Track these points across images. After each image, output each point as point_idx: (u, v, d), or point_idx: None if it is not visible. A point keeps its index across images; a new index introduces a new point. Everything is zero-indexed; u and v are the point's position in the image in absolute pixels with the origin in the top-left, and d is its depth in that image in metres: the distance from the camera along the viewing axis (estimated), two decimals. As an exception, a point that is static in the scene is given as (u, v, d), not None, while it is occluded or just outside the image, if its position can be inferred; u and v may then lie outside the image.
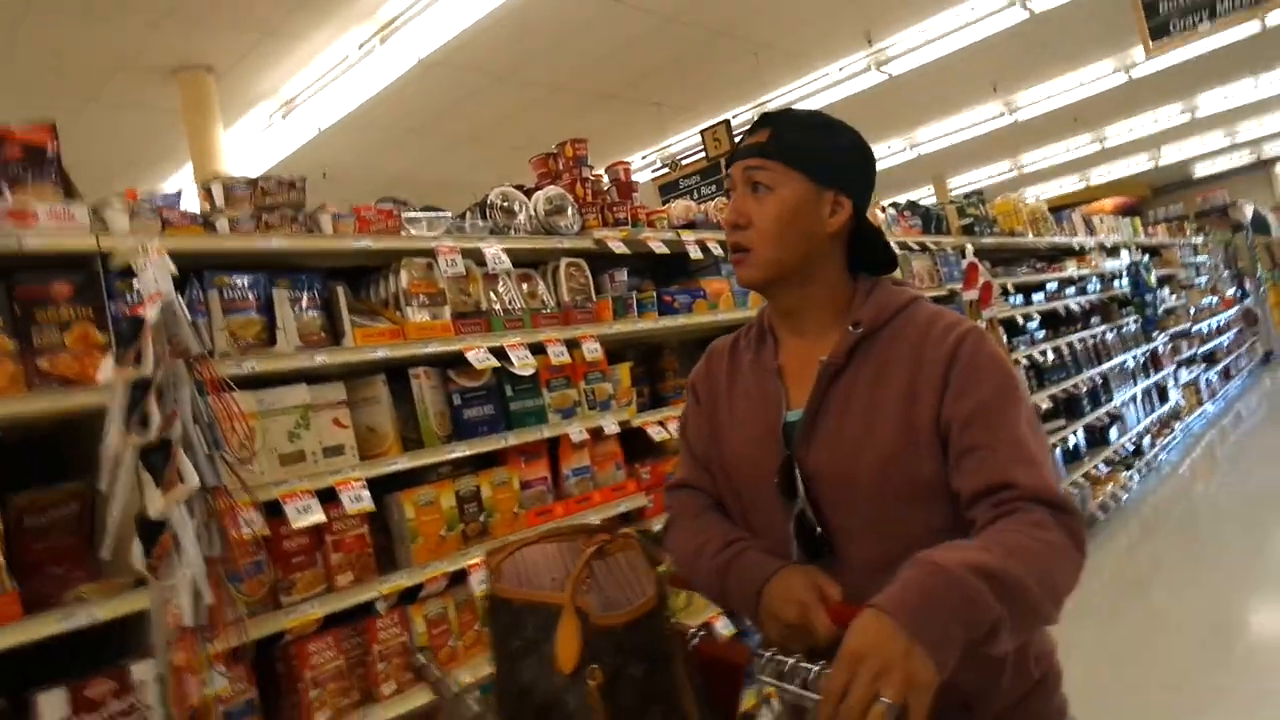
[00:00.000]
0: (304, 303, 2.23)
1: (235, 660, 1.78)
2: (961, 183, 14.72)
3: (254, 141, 7.18)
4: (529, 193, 2.95)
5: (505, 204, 2.80)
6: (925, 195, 13.48)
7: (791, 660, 0.99)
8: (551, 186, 2.97)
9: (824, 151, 1.21)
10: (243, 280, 2.10)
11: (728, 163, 1.26)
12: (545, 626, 1.03)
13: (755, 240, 1.19)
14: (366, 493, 2.08)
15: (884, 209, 4.84)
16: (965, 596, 0.88)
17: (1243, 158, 18.60)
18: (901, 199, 5.62)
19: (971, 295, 4.70)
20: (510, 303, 2.69)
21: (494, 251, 2.63)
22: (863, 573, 1.08)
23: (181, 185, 7.69)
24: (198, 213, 2.15)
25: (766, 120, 1.24)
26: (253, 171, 7.49)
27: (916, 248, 4.71)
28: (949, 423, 1.10)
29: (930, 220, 5.11)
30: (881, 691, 0.79)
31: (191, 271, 2.02)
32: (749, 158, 1.21)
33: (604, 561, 1.10)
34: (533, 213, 2.86)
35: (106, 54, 5.53)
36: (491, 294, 2.66)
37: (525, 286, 2.79)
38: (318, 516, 1.94)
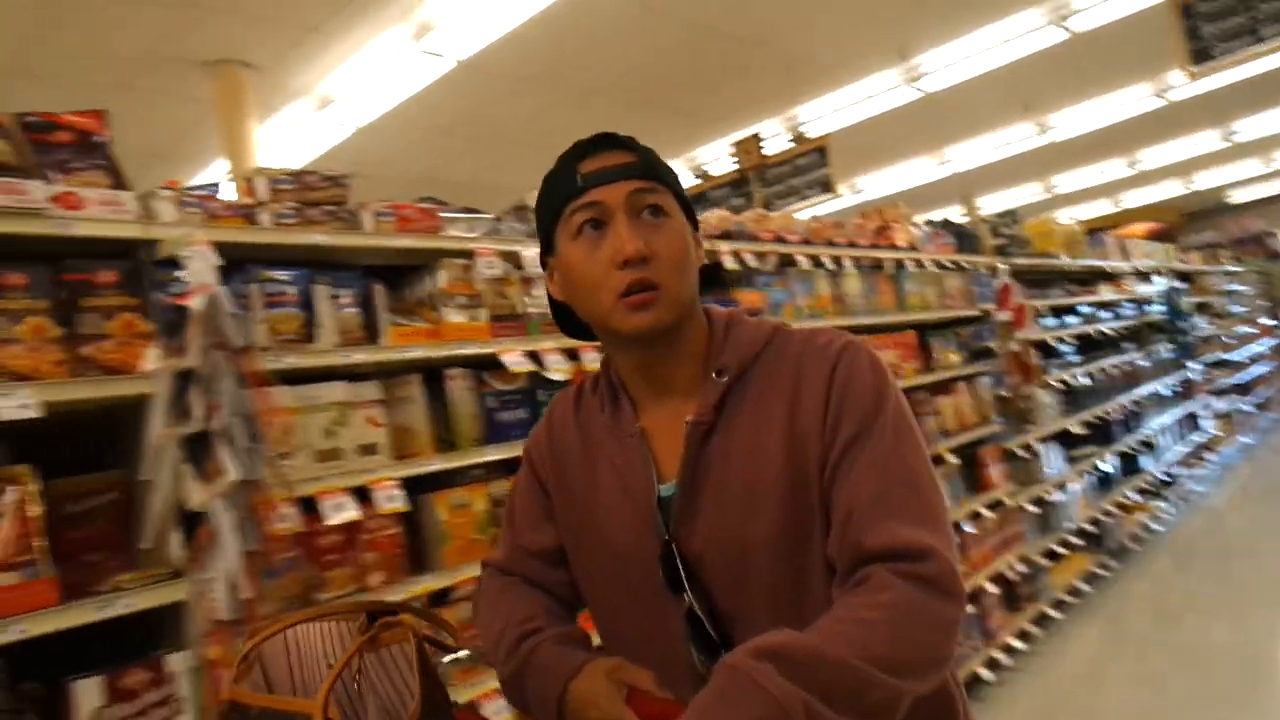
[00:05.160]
0: (343, 300, 2.22)
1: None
2: (991, 203, 14.63)
3: (286, 138, 7.23)
4: (568, 197, 2.93)
5: (544, 207, 2.79)
6: (953, 215, 13.39)
7: None
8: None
9: (677, 180, 1.07)
10: (284, 275, 2.10)
11: (579, 189, 1.01)
12: None
13: (665, 275, 0.98)
14: (400, 492, 2.07)
15: (917, 225, 4.79)
16: (747, 681, 0.81)
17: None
18: (930, 217, 5.57)
19: (1004, 316, 4.65)
20: (546, 307, 2.67)
21: (532, 255, 2.62)
22: None
23: (213, 179, 7.76)
24: (239, 205, 2.15)
25: (618, 141, 1.04)
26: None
27: (950, 266, 4.66)
28: (827, 463, 0.97)
29: (965, 239, 5.05)
30: None
31: (231, 264, 2.01)
32: (628, 179, 1.00)
33: (377, 655, 0.91)
34: (571, 217, 2.84)
35: (143, 45, 5.56)
36: (528, 298, 2.64)
37: (562, 291, 2.76)
38: (352, 514, 1.92)
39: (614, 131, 1.06)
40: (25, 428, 1.52)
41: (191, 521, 1.56)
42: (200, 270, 1.68)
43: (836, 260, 3.78)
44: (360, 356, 2.12)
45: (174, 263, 1.73)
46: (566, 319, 1.15)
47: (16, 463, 1.56)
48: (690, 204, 1.08)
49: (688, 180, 9.14)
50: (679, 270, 1.00)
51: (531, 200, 2.96)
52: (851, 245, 3.97)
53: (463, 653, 1.15)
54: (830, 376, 0.98)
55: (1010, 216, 5.72)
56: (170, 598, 1.59)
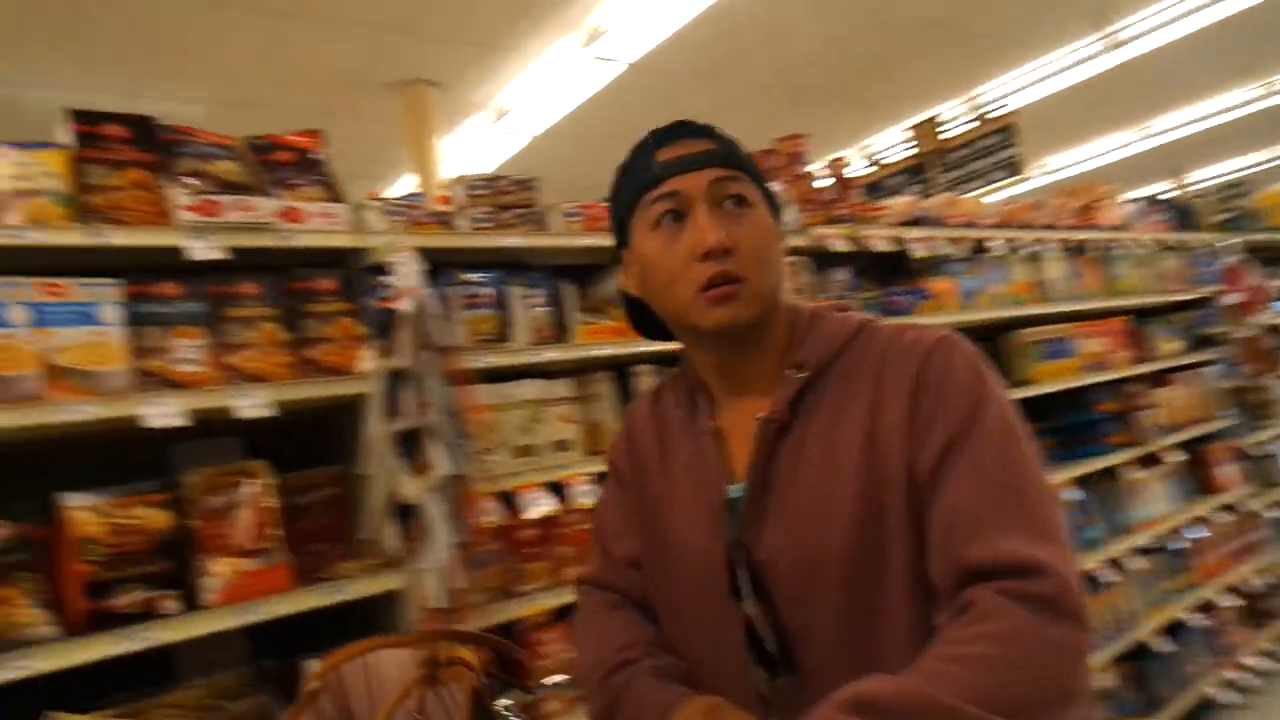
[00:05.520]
0: (535, 300, 2.28)
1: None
2: (1202, 177, 13.22)
3: (467, 150, 7.58)
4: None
5: (725, 201, 2.75)
6: (1160, 192, 12.23)
7: None
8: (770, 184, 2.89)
9: (759, 169, 1.01)
10: (480, 277, 2.17)
11: (657, 177, 0.97)
12: None
13: (748, 267, 0.93)
14: (593, 487, 2.09)
15: (1126, 202, 4.38)
16: None
17: None
18: (1131, 194, 5.08)
19: (1234, 299, 4.16)
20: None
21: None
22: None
23: (400, 193, 8.26)
24: (438, 212, 2.25)
25: (697, 128, 1.00)
26: (467, 180, 7.97)
27: (1167, 245, 4.23)
28: (919, 471, 0.88)
29: (1184, 216, 4.57)
30: None
31: (433, 268, 2.10)
32: (709, 167, 0.95)
33: (435, 692, 0.87)
34: (752, 210, 2.79)
35: (339, 71, 5.99)
36: (711, 293, 2.61)
37: (744, 285, 2.72)
38: (548, 508, 1.96)
39: (697, 123, 1.01)
40: (254, 425, 1.64)
41: (405, 514, 1.64)
42: (407, 275, 1.77)
43: (1036, 244, 3.52)
44: (552, 355, 2.17)
45: (381, 269, 1.83)
46: (641, 316, 1.09)
47: (250, 459, 1.70)
48: (773, 194, 1.03)
49: (860, 169, 8.84)
50: (762, 263, 0.95)
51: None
52: (1051, 227, 3.68)
53: (555, 681, 1.11)
54: (917, 375, 0.91)
55: (1238, 188, 5.13)
56: (387, 585, 1.68)
